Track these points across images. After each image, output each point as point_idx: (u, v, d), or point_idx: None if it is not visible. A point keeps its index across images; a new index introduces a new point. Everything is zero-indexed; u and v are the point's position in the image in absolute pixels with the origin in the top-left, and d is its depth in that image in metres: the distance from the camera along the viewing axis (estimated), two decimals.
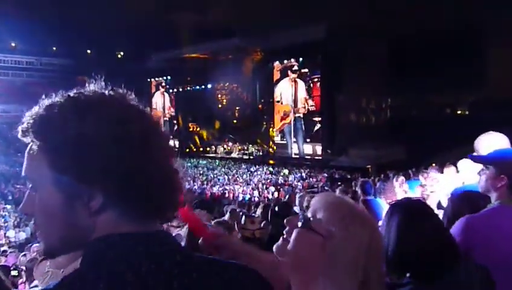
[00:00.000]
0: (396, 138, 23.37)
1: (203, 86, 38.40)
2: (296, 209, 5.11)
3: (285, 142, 30.72)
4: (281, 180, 22.87)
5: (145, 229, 0.69)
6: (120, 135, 0.67)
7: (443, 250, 1.27)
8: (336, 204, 0.90)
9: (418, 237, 1.26)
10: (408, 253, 1.26)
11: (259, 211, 4.37)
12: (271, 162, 29.71)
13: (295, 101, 29.85)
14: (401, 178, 6.12)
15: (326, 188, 16.65)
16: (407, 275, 1.27)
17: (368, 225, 0.87)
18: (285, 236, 0.91)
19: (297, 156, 29.73)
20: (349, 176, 21.75)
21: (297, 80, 29.51)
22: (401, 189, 5.41)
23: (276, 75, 31.20)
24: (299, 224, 0.88)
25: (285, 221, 0.92)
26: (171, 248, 0.70)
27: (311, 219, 0.89)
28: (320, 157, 28.00)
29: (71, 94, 0.72)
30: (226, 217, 5.99)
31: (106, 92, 0.73)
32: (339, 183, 15.09)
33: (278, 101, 31.15)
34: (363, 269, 0.84)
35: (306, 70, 29.18)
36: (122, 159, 0.67)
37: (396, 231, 1.28)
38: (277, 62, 30.97)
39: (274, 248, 0.91)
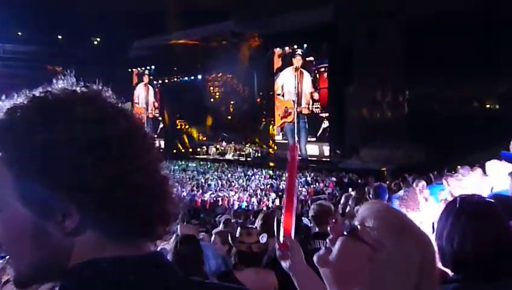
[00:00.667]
0: (415, 136, 23.40)
1: (192, 77, 38.39)
2: (306, 221, 5.13)
3: (287, 141, 30.80)
4: (282, 185, 22.87)
5: (134, 251, 0.68)
6: (96, 140, 0.65)
7: (504, 251, 1.33)
8: (386, 213, 0.92)
9: (485, 238, 1.32)
10: (469, 253, 1.32)
11: (258, 221, 4.39)
12: (271, 164, 29.76)
13: (298, 96, 29.90)
14: (422, 183, 6.15)
15: (336, 193, 16.68)
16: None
17: (420, 239, 0.89)
18: (327, 245, 0.93)
19: (301, 158, 29.78)
20: (361, 181, 21.78)
21: (302, 70, 29.56)
22: (421, 195, 5.43)
23: (277, 63, 31.25)
24: (345, 232, 0.90)
25: (328, 228, 0.93)
26: (166, 274, 0.69)
27: (359, 227, 0.90)
28: (327, 159, 28.09)
29: (37, 94, 0.70)
30: (220, 228, 6.02)
31: (78, 89, 0.72)
32: (350, 189, 15.13)
33: (279, 94, 31.21)
34: (414, 287, 0.84)
35: (311, 58, 29.24)
36: (101, 169, 0.65)
37: (460, 230, 1.34)
38: (278, 49, 31.04)
39: (315, 257, 0.93)
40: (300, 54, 29.69)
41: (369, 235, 0.88)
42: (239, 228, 3.42)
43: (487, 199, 1.52)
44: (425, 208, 4.78)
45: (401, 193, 5.03)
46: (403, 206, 4.51)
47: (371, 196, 5.03)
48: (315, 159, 28.76)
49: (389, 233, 0.87)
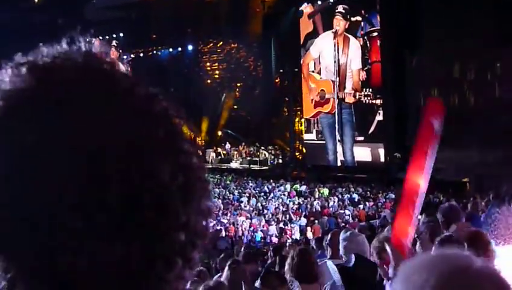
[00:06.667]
0: None
1: (179, 48, 38.52)
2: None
3: (323, 141, 30.73)
4: (316, 206, 22.87)
5: None
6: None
7: None
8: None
9: None
10: None
11: (287, 263, 4.41)
12: (298, 174, 29.74)
13: (341, 75, 29.86)
14: None
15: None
16: None
17: None
18: None
19: (345, 165, 29.71)
20: (433, 197, 21.61)
21: (347, 35, 29.50)
22: None
23: (306, 26, 31.27)
24: None
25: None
26: None
27: None
28: (382, 167, 28.03)
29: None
30: (224, 276, 6.05)
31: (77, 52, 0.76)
32: None
33: (313, 71, 31.21)
34: None
35: (358, 18, 29.20)
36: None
37: None
38: (305, 4, 31.06)
39: None
40: (343, 11, 29.58)
41: None
42: (259, 280, 3.42)
43: None
44: None
45: (487, 212, 5.04)
46: (493, 237, 4.53)
47: (439, 219, 5.01)
48: (365, 167, 28.74)
49: None
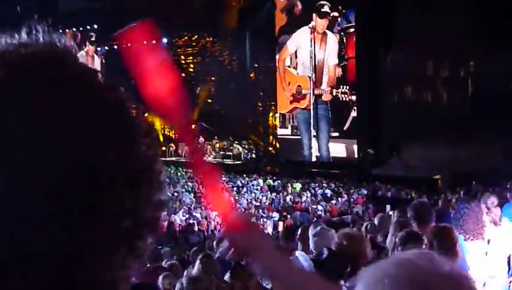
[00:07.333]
0: (484, 129, 23.39)
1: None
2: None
3: (298, 137, 30.78)
4: (289, 201, 22.93)
5: None
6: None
7: None
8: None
9: None
10: None
11: None
12: (272, 169, 29.79)
13: (317, 71, 29.90)
14: (492, 199, 6.22)
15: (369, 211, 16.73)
16: None
17: None
18: None
19: (320, 161, 29.80)
20: (405, 194, 21.80)
21: (326, 30, 29.48)
22: (488, 217, 5.47)
23: (281, 19, 31.27)
24: None
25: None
26: None
27: None
28: (356, 163, 28.20)
29: None
30: (195, 269, 6.02)
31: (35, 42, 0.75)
32: (388, 206, 15.16)
33: (289, 66, 31.24)
34: None
35: (335, 13, 29.23)
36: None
37: None
38: None
39: None
40: (328, 11, 29.26)
41: None
42: (228, 273, 3.40)
43: None
44: (494, 235, 4.84)
45: (456, 209, 5.06)
46: (461, 233, 4.57)
47: (409, 218, 5.02)
48: (340, 162, 28.88)
49: None
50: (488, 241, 4.67)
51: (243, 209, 21.58)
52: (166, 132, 38.07)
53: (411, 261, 1.02)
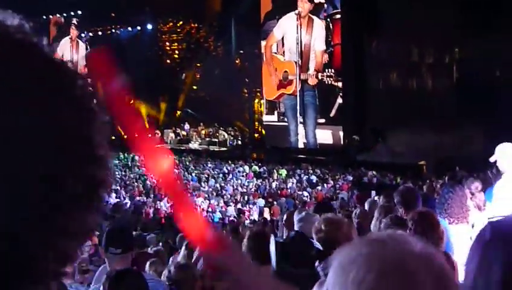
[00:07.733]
0: (469, 115, 23.52)
1: (138, 27, 38.02)
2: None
3: (285, 123, 30.76)
4: (275, 187, 22.98)
5: None
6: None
7: None
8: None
9: None
10: None
11: (243, 245, 4.39)
12: (257, 156, 29.80)
13: (303, 56, 29.87)
14: (476, 184, 6.26)
15: (353, 198, 16.78)
16: None
17: None
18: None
19: (307, 148, 29.83)
20: (389, 180, 21.92)
21: (313, 16, 29.47)
22: (472, 202, 5.51)
23: (266, 5, 31.21)
24: None
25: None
26: None
27: None
28: (341, 149, 28.24)
29: None
30: (181, 255, 6.02)
31: None
32: (373, 192, 15.19)
33: (276, 53, 31.16)
34: None
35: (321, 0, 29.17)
36: None
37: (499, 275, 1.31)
38: None
39: None
40: None
41: None
42: None
43: None
44: (478, 220, 4.87)
45: (441, 194, 5.07)
46: (446, 216, 4.60)
47: (396, 204, 5.04)
48: (326, 149, 28.94)
49: None
50: (473, 226, 4.70)
51: (229, 196, 21.65)
52: (151, 117, 37.92)
53: (384, 241, 1.03)
